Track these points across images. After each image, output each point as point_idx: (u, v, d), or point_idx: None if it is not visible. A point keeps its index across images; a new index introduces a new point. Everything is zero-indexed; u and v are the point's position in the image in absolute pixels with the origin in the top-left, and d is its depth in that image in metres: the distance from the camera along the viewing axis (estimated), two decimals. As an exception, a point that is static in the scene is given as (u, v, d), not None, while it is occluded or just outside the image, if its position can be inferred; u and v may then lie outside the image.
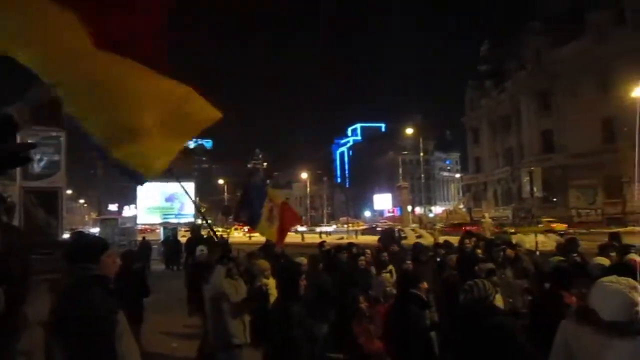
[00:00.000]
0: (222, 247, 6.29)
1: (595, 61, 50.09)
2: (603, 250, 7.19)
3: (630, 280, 2.85)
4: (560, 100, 54.36)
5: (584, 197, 50.96)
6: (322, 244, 10.36)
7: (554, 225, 37.96)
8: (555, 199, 53.28)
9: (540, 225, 32.83)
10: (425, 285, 4.72)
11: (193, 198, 36.97)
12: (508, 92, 64.89)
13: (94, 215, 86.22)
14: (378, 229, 63.46)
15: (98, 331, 2.75)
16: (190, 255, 13.71)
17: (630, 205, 44.90)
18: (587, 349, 2.77)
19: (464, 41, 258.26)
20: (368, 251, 8.65)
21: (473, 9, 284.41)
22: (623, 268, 5.48)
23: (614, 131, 47.33)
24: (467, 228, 43.93)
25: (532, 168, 21.91)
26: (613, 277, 2.90)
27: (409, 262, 7.86)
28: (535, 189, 19.92)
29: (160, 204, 35.06)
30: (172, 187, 36.79)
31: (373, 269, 8.09)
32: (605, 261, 6.49)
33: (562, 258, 7.02)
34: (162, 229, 32.67)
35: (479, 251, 8.17)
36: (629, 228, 34.18)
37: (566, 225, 39.05)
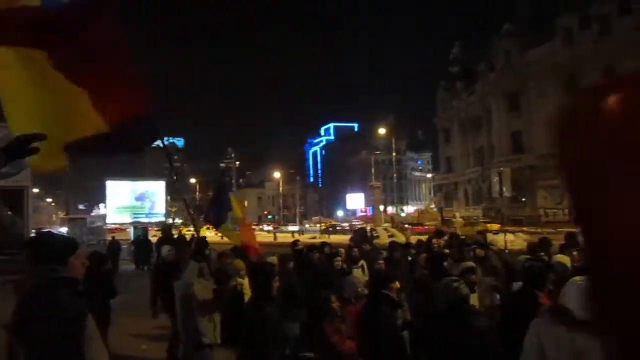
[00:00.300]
0: (199, 244, 6.23)
1: (563, 64, 51.28)
2: (564, 250, 7.31)
3: None
4: (529, 102, 55.41)
5: (552, 197, 51.99)
6: (295, 243, 10.31)
7: (488, 225, 38.53)
8: (524, 199, 54.28)
9: (477, 227, 33.63)
10: (397, 285, 4.72)
11: (164, 197, 36.62)
12: (479, 94, 65.86)
13: (62, 215, 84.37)
14: (338, 228, 64.40)
15: (66, 335, 2.62)
16: (160, 255, 13.55)
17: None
18: (562, 348, 2.79)
19: (436, 43, 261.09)
20: (342, 250, 8.64)
21: (446, 12, 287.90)
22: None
23: (581, 133, 48.36)
24: (417, 229, 44.67)
25: (502, 169, 22.20)
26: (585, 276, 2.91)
27: (381, 261, 7.88)
28: (504, 189, 20.16)
29: (131, 204, 34.54)
30: (143, 186, 36.30)
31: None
32: (566, 259, 6.63)
33: (529, 257, 7.14)
34: (132, 228, 32.16)
35: (447, 251, 8.26)
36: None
37: (500, 225, 39.51)
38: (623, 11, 45.40)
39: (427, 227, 46.19)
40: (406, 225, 51.26)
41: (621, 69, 42.02)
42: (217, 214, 8.37)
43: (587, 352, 2.69)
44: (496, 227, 38.46)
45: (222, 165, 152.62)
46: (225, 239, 9.69)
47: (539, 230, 35.04)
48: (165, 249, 8.88)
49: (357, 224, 68.85)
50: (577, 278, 2.96)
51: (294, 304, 6.51)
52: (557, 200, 51.46)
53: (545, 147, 51.86)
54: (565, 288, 2.93)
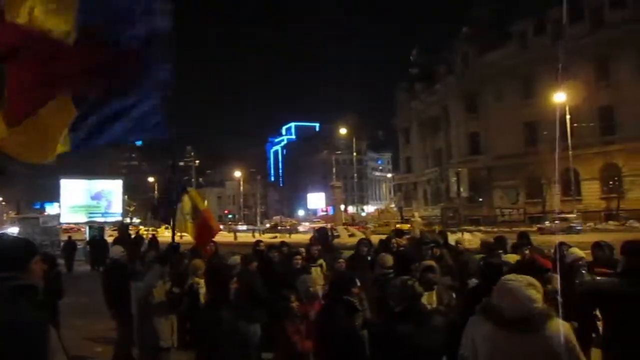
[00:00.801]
0: (169, 249, 6.12)
1: (518, 68, 52.74)
2: (515, 249, 7.48)
3: (529, 277, 2.93)
4: (486, 103, 56.75)
5: (507, 197, 53.38)
6: (257, 243, 10.21)
7: (399, 225, 39.07)
8: (480, 199, 55.55)
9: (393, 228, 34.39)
10: (357, 290, 4.72)
11: (121, 196, 35.80)
12: (437, 95, 67.00)
13: (13, 214, 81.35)
14: (279, 227, 64.95)
15: (26, 351, 2.27)
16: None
17: (549, 205, 47.51)
18: (490, 345, 2.84)
19: (397, 44, 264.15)
20: (302, 250, 8.62)
21: (406, 13, 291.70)
22: (527, 266, 5.78)
23: (536, 135, 49.93)
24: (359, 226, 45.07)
25: (459, 169, 22.75)
26: (513, 275, 2.99)
27: (341, 260, 7.89)
28: (462, 189, 20.66)
29: (86, 202, 33.60)
30: (99, 184, 35.32)
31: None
32: (515, 258, 6.80)
33: (484, 255, 7.29)
34: (87, 228, 31.28)
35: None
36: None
37: (409, 225, 39.79)
38: (575, 18, 46.97)
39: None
40: (367, 224, 51.75)
41: (573, 72, 43.52)
42: (166, 210, 8.34)
43: (513, 349, 2.75)
44: (406, 226, 39.07)
45: (181, 163, 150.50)
46: (185, 238, 9.56)
47: (495, 230, 35.86)
48: (117, 249, 8.68)
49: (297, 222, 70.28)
50: (506, 277, 3.01)
51: (254, 304, 6.48)
52: (513, 200, 52.89)
53: (501, 148, 53.31)
54: (496, 286, 3.00)
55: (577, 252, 6.47)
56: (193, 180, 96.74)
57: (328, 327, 4.30)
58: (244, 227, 76.37)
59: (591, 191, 46.98)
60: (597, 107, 47.04)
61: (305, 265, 7.84)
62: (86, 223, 32.00)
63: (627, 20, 44.46)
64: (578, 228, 34.00)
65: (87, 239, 28.86)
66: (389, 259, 6.63)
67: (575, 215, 38.58)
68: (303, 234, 49.07)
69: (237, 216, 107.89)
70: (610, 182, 45.88)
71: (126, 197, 64.52)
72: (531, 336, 2.73)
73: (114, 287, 7.60)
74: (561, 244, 7.36)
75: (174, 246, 7.51)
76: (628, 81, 44.95)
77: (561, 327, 2.79)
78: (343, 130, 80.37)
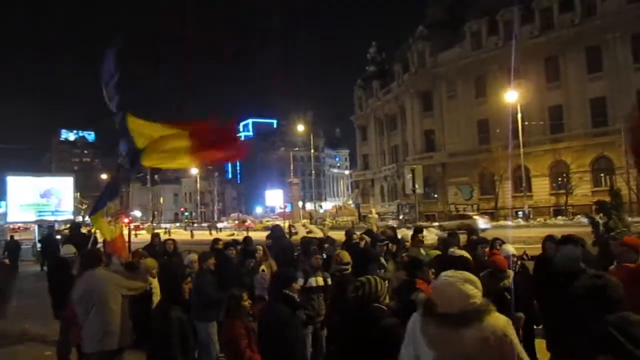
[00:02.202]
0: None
1: (471, 66, 53.88)
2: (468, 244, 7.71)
3: (465, 273, 2.97)
4: (440, 102, 57.71)
5: (462, 193, 54.48)
6: (215, 241, 10.08)
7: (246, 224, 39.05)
8: (435, 195, 56.56)
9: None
10: (298, 285, 4.72)
11: (72, 194, 34.75)
12: (394, 93, 67.71)
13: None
14: (219, 224, 64.94)
15: None
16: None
17: (501, 201, 48.81)
18: (429, 340, 2.87)
19: (354, 42, 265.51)
20: (259, 247, 8.55)
21: (364, 12, 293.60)
22: (448, 261, 6.08)
23: (488, 132, 51.17)
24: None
25: (414, 166, 23.08)
26: (451, 271, 3.00)
27: (317, 256, 7.88)
28: (417, 186, 20.97)
29: (35, 200, 32.46)
30: (48, 182, 34.22)
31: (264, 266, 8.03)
32: (464, 252, 7.03)
33: (439, 252, 7.45)
34: (36, 226, 30.19)
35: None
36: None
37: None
38: (526, 19, 48.30)
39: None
40: (325, 221, 51.86)
41: (524, 71, 44.78)
42: (96, 203, 7.94)
43: (450, 345, 2.78)
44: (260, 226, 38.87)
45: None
46: (140, 236, 9.33)
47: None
48: (68, 249, 8.40)
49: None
50: (443, 273, 3.02)
51: (206, 304, 6.40)
52: (467, 196, 54.05)
53: (456, 146, 54.40)
54: (434, 283, 3.03)
55: (509, 248, 6.90)
56: (148, 177, 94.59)
57: (270, 323, 4.28)
58: (224, 224, 75.32)
59: (541, 187, 48.49)
60: (547, 106, 48.53)
61: (255, 264, 7.82)
62: (35, 222, 30.90)
63: (575, 22, 46.02)
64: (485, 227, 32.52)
65: (35, 238, 27.90)
66: (346, 255, 6.67)
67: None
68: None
69: (193, 214, 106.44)
70: (559, 179, 47.46)
71: (78, 194, 62.68)
72: (468, 331, 2.74)
73: (58, 287, 7.30)
74: (495, 239, 7.67)
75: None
76: (576, 81, 46.58)
77: (499, 321, 2.84)
78: (301, 127, 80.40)
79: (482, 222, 33.97)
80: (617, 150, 41.52)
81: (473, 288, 2.84)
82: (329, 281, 6.61)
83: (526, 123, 43.18)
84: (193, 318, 5.56)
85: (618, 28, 43.44)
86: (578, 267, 4.38)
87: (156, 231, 30.09)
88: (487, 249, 7.35)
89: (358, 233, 10.59)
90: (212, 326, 6.48)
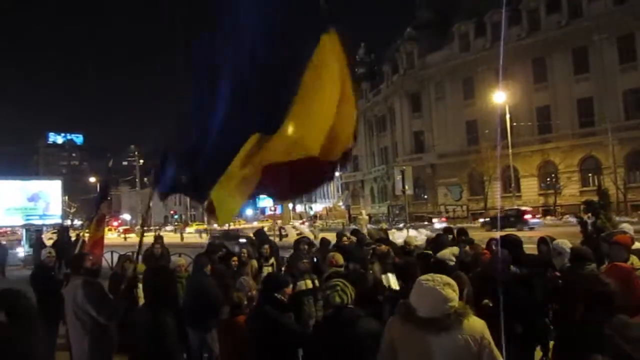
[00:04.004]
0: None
1: (460, 68, 54.13)
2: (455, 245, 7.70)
3: (445, 277, 2.95)
4: (429, 103, 57.92)
5: (451, 194, 54.68)
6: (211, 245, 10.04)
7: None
8: (425, 196, 56.73)
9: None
10: (289, 290, 4.68)
11: (60, 197, 34.43)
12: (383, 94, 67.82)
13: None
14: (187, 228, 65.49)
15: None
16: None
17: (490, 202, 49.03)
18: (409, 345, 2.86)
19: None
20: (244, 250, 8.50)
21: (352, 13, 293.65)
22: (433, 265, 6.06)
23: (477, 133, 51.42)
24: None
25: (404, 167, 23.07)
26: (430, 275, 2.98)
27: (305, 260, 7.85)
28: (407, 187, 20.98)
29: (22, 204, 32.15)
30: (36, 185, 33.90)
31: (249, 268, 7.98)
32: (455, 250, 7.05)
33: (428, 252, 7.44)
34: (24, 231, 29.89)
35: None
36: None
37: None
38: (514, 20, 48.61)
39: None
40: (315, 223, 51.82)
41: (511, 73, 45.04)
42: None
43: (430, 349, 2.76)
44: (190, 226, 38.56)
45: (125, 163, 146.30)
46: (129, 240, 9.25)
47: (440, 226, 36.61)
48: (45, 251, 8.19)
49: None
50: (423, 277, 3.00)
51: (198, 309, 6.33)
52: (457, 197, 54.26)
53: (445, 147, 54.60)
54: (413, 287, 3.00)
55: None
56: (137, 180, 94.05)
57: (258, 327, 4.25)
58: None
59: (530, 187, 48.78)
60: (534, 107, 48.86)
61: (239, 267, 7.79)
62: (23, 226, 30.61)
63: (562, 23, 46.38)
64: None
65: (23, 242, 27.65)
66: (339, 258, 6.61)
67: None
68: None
69: (183, 216, 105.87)
70: (548, 179, 47.78)
71: (66, 198, 62.20)
72: (446, 335, 2.74)
73: (37, 292, 7.07)
74: (491, 240, 7.66)
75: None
76: (563, 82, 46.94)
77: (477, 325, 2.82)
78: (291, 129, 79.92)
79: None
80: (604, 150, 41.90)
81: (452, 292, 2.83)
82: (317, 283, 6.56)
83: (514, 124, 43.41)
84: (187, 324, 5.46)
85: (604, 29, 43.84)
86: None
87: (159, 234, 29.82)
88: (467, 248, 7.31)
89: (348, 234, 10.59)
90: (206, 332, 6.31)
